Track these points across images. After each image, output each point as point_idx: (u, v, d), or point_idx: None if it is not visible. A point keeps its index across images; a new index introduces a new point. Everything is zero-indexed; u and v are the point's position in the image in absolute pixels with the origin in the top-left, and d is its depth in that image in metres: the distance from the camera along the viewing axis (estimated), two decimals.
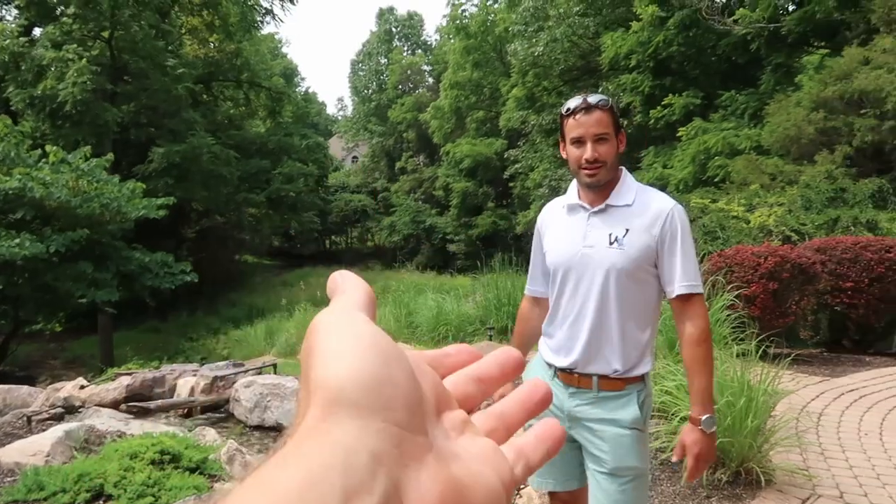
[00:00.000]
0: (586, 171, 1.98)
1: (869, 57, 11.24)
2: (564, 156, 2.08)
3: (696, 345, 1.93)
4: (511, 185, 26.45)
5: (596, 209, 2.03)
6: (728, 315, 5.15)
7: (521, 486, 2.78)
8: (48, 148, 11.03)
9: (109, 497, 3.27)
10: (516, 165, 24.15)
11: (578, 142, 1.97)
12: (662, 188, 14.92)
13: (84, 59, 15.02)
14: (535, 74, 20.55)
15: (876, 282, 7.23)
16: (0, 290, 10.06)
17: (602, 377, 2.00)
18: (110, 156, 12.37)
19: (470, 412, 0.34)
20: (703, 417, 1.88)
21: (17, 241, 9.23)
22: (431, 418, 0.30)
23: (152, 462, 3.50)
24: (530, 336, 2.37)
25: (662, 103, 15.33)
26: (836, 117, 11.21)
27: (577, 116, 1.96)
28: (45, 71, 15.25)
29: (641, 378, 2.00)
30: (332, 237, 39.44)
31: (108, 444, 3.74)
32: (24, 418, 5.27)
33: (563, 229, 2.12)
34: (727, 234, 8.56)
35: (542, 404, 0.37)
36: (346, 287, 0.34)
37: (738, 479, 3.75)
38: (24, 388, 7.23)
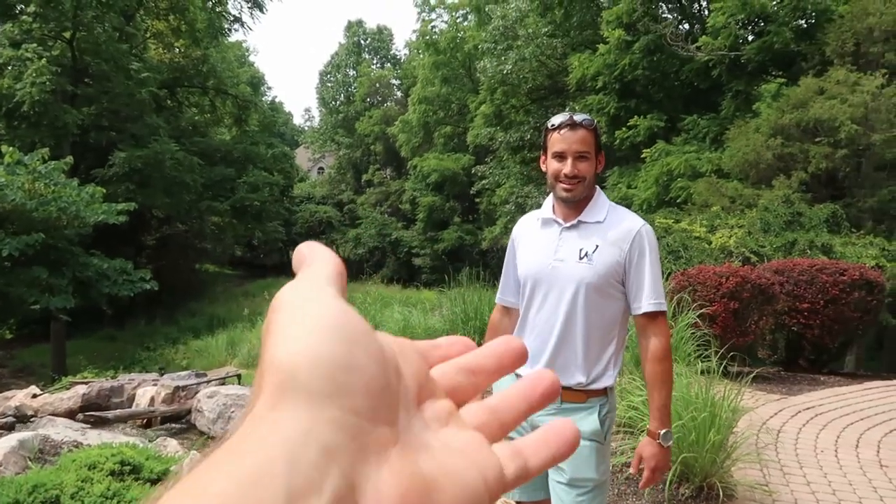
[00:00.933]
0: (564, 185, 2.02)
1: (823, 87, 11.68)
2: (544, 168, 2.12)
3: (658, 361, 1.98)
4: (478, 200, 26.61)
5: (568, 224, 2.08)
6: (692, 333, 5.24)
7: None
8: (4, 148, 10.69)
9: None
10: (483, 181, 24.31)
11: (560, 156, 2.02)
12: (626, 208, 15.21)
13: (44, 59, 14.65)
14: (504, 92, 20.75)
15: (830, 303, 7.47)
16: None
17: (566, 389, 2.03)
18: (69, 159, 12.06)
19: (459, 406, 0.31)
20: (662, 432, 1.96)
21: None
22: (409, 407, 0.27)
23: (112, 473, 3.39)
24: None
25: (627, 124, 15.64)
26: (792, 144, 11.59)
27: (562, 132, 2.01)
28: (3, 70, 14.82)
29: (604, 391, 2.04)
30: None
31: (65, 454, 3.60)
32: None
33: (535, 242, 2.16)
34: (690, 254, 8.74)
35: (547, 398, 0.33)
36: (315, 259, 0.30)
37: (700, 493, 3.80)
38: None
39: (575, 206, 2.07)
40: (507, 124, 21.21)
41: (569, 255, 2.04)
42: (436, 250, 29.67)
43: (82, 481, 3.27)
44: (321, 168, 46.57)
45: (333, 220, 35.52)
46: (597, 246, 2.01)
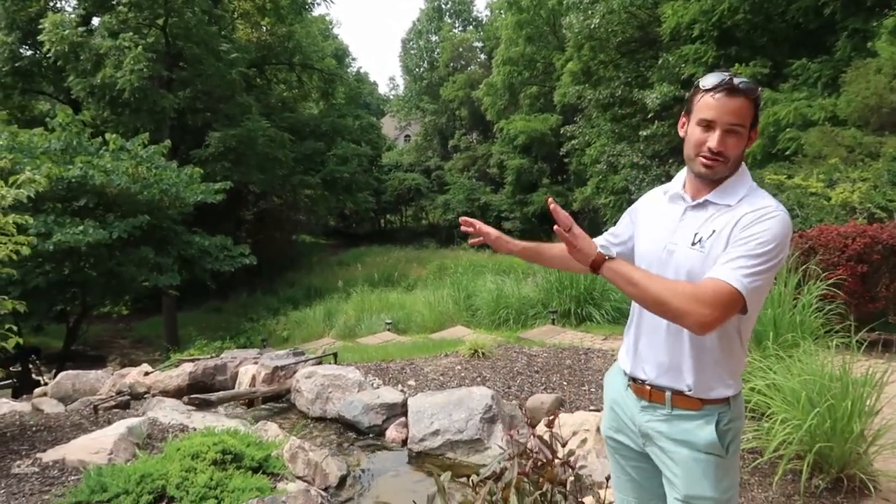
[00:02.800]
0: (704, 161, 1.71)
1: None
2: (682, 133, 1.80)
3: (684, 297, 1.58)
4: (567, 161, 25.84)
5: (695, 203, 1.77)
6: (818, 305, 4.73)
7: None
8: (107, 136, 11.19)
9: (172, 499, 3.18)
10: (572, 142, 23.52)
11: (707, 125, 1.69)
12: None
13: (140, 47, 15.20)
14: (591, 47, 19.81)
15: None
16: (67, 276, 10.31)
17: (676, 393, 1.76)
18: (168, 142, 12.51)
19: None
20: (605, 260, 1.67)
21: (81, 228, 9.39)
22: None
23: (214, 462, 3.39)
24: (549, 256, 2.21)
25: None
26: None
27: (717, 96, 1.68)
28: (103, 60, 15.50)
29: (726, 400, 1.74)
30: (387, 216, 39.56)
31: (171, 442, 3.65)
32: (91, 407, 5.30)
33: (657, 220, 1.88)
34: (806, 213, 8.00)
35: None
36: None
37: (838, 486, 3.41)
38: (92, 374, 7.36)
39: (710, 183, 1.75)
40: (595, 81, 20.31)
41: (682, 240, 1.75)
42: (525, 213, 29.18)
43: (186, 471, 3.29)
44: (408, 136, 46.75)
45: (422, 186, 35.64)
46: (713, 231, 1.69)
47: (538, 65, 28.69)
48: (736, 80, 1.66)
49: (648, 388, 1.82)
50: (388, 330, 9.95)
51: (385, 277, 18.80)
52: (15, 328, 4.24)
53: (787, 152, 12.25)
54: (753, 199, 1.69)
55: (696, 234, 1.72)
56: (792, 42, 14.89)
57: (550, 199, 1.74)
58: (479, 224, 2.22)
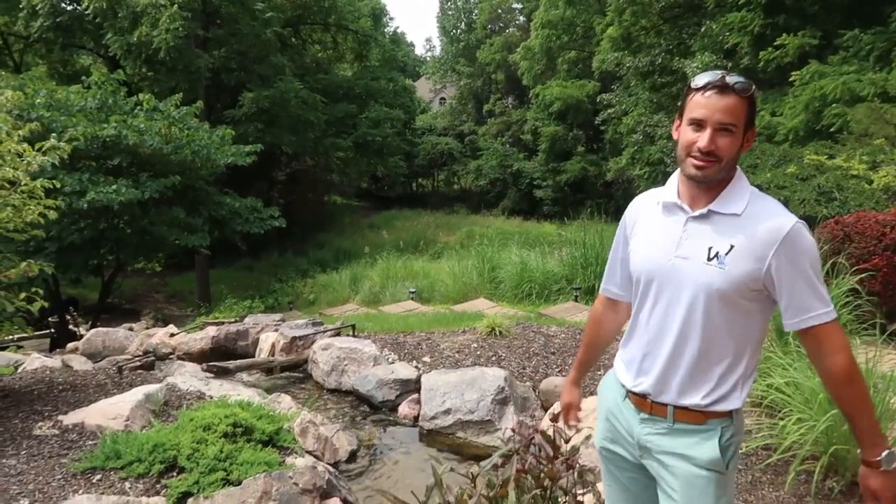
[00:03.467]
0: (694, 162, 1.64)
1: None
2: (676, 136, 1.73)
3: (847, 384, 1.62)
4: (602, 129, 25.36)
5: (696, 213, 1.70)
6: (847, 300, 4.57)
7: None
8: (141, 96, 11.26)
9: (182, 469, 3.26)
10: (609, 110, 23.04)
11: (698, 124, 1.63)
12: (770, 138, 13.79)
13: (176, 6, 15.18)
14: (633, 12, 19.20)
15: None
16: (102, 233, 10.54)
17: (679, 408, 1.72)
18: (200, 103, 12.56)
19: None
20: (882, 456, 1.60)
21: (115, 187, 9.54)
22: None
23: (225, 434, 3.46)
24: (601, 342, 2.16)
25: (774, 44, 13.94)
26: None
27: (707, 94, 1.62)
28: (140, 18, 15.53)
29: (729, 414, 1.70)
30: (419, 180, 39.50)
31: (185, 412, 3.74)
32: (117, 367, 5.45)
33: (654, 231, 1.80)
34: (845, 196, 7.72)
35: None
36: None
37: (853, 489, 3.34)
38: (122, 332, 7.58)
39: (706, 189, 1.68)
40: (636, 48, 19.74)
41: (695, 253, 1.67)
42: (558, 182, 28.85)
43: (198, 442, 3.36)
44: (443, 98, 46.29)
45: (455, 151, 35.42)
46: (731, 246, 1.63)
47: (578, 29, 27.97)
48: (728, 79, 1.61)
49: (650, 401, 1.78)
50: (412, 299, 10.00)
51: (413, 243, 18.85)
52: (41, 292, 4.34)
53: (832, 129, 11.79)
54: (760, 206, 1.65)
55: (711, 248, 1.65)
56: (845, 11, 14.20)
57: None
58: (573, 418, 2.30)
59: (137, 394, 4.01)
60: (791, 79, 13.27)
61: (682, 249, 1.70)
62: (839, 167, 8.32)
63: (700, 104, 1.62)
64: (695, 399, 1.70)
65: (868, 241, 5.97)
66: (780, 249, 1.59)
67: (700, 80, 1.64)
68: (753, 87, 1.63)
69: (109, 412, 3.83)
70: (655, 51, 18.71)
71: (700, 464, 1.69)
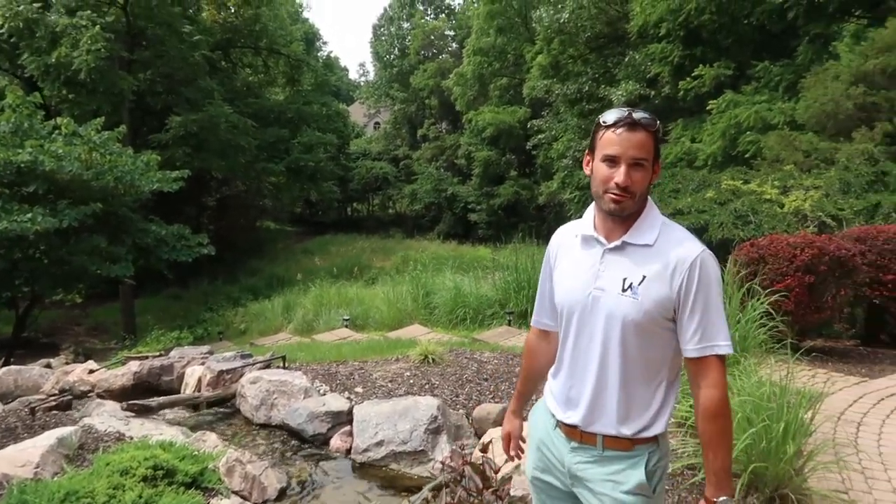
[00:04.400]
0: (612, 197, 1.69)
1: None
2: (588, 171, 1.79)
3: (711, 419, 1.66)
4: (534, 154, 25.92)
5: (612, 245, 1.75)
6: (762, 321, 4.79)
7: None
8: (59, 120, 10.83)
9: None
10: (540, 135, 23.60)
11: (612, 161, 1.68)
12: (690, 163, 14.42)
13: (98, 26, 14.67)
14: (561, 42, 19.87)
15: None
16: (15, 263, 10.00)
17: (608, 436, 1.76)
18: (123, 127, 12.17)
19: None
20: (719, 500, 1.65)
21: (30, 215, 9.10)
22: None
23: (144, 478, 3.30)
24: (537, 373, 2.16)
25: (692, 74, 14.68)
26: (876, 92, 10.58)
27: (618, 131, 1.67)
28: (60, 38, 14.94)
29: (654, 440, 1.75)
30: (354, 204, 39.29)
31: (100, 456, 3.54)
32: (29, 409, 5.13)
33: (574, 264, 1.85)
34: (760, 219, 8.12)
35: None
36: None
37: None
38: (36, 370, 7.17)
39: (620, 222, 1.74)
40: (564, 75, 20.39)
41: (610, 285, 1.72)
42: (492, 205, 29.26)
43: (114, 488, 3.19)
44: (377, 123, 46.41)
45: (389, 175, 35.47)
46: (643, 277, 1.68)
47: (509, 56, 28.67)
48: (636, 115, 1.67)
49: (579, 431, 1.81)
50: (346, 326, 9.88)
51: (348, 269, 18.67)
52: None
53: (747, 155, 12.45)
54: (670, 236, 1.71)
55: (626, 279, 1.70)
56: (756, 44, 15.12)
57: None
58: (517, 441, 2.24)
59: (50, 438, 3.78)
60: (708, 107, 13.95)
61: (600, 281, 1.74)
62: (753, 192, 8.76)
63: (612, 141, 1.67)
64: (621, 428, 1.73)
65: (781, 262, 6.27)
66: (687, 276, 1.65)
67: (609, 117, 1.70)
68: (657, 122, 1.70)
69: (18, 459, 3.59)
70: (583, 79, 19.35)
71: (628, 489, 1.72)
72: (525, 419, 2.19)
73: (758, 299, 4.90)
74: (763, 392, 3.63)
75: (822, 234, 7.04)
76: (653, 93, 16.60)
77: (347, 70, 55.61)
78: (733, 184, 9.22)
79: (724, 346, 1.65)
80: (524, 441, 2.19)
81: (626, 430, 1.73)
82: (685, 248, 1.67)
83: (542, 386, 2.15)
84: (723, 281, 1.69)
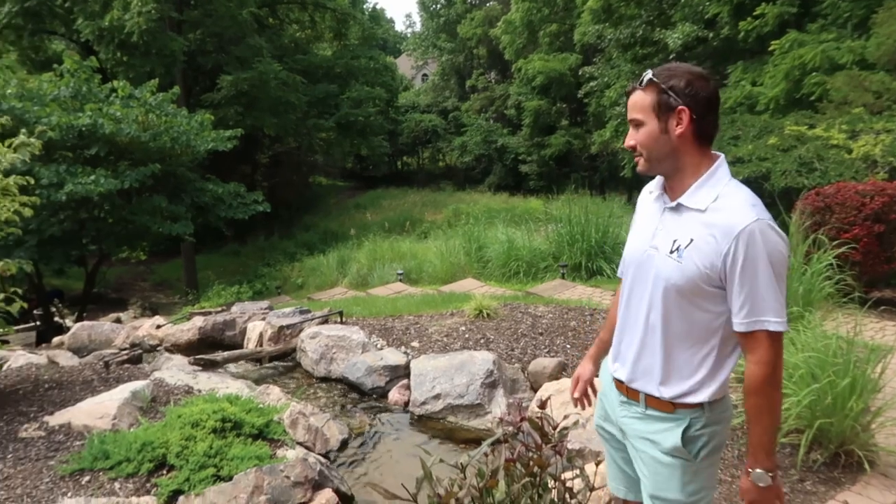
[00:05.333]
0: (635, 157, 1.74)
1: None
2: None
3: (753, 394, 1.61)
4: (586, 103, 25.22)
5: (670, 205, 1.72)
6: (828, 272, 4.61)
7: (597, 487, 2.56)
8: (116, 83, 11.04)
9: (172, 467, 3.24)
10: (592, 83, 22.89)
11: None
12: (751, 108, 13.78)
13: None
14: None
15: None
16: (82, 224, 10.40)
17: (649, 395, 1.76)
18: (176, 88, 12.34)
19: None
20: (754, 471, 1.63)
21: (93, 177, 9.39)
22: None
23: (214, 430, 3.44)
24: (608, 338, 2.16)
25: (754, 13, 13.90)
26: None
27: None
28: (111, 1, 15.16)
29: (699, 406, 1.70)
30: (404, 158, 39.23)
31: (172, 409, 3.71)
32: (103, 362, 5.39)
33: (642, 220, 1.85)
34: (825, 166, 7.74)
35: None
36: None
37: (836, 461, 3.39)
38: (107, 325, 7.51)
39: (680, 182, 1.69)
40: (617, 19, 19.59)
41: (663, 245, 1.70)
42: (543, 156, 28.74)
43: (186, 439, 3.34)
44: (425, 75, 45.90)
45: (439, 128, 35.17)
46: (691, 241, 1.63)
47: (558, 1, 27.68)
48: (639, 79, 1.68)
49: (625, 386, 1.84)
50: (400, 280, 9.98)
51: (399, 223, 18.77)
52: (20, 292, 4.27)
53: (812, 98, 11.83)
54: (726, 201, 1.61)
55: (675, 241, 1.67)
56: None
57: None
58: (584, 393, 2.21)
59: (124, 391, 3.97)
60: (771, 48, 13.25)
61: (655, 240, 1.74)
62: (819, 137, 8.34)
63: None
64: (661, 389, 1.73)
65: (848, 211, 6.00)
66: (736, 247, 1.56)
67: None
68: (651, 74, 1.65)
69: (96, 412, 3.79)
70: (636, 22, 18.58)
71: (663, 450, 1.73)
72: (600, 357, 2.20)
73: (823, 250, 4.71)
74: (828, 347, 3.53)
75: (893, 181, 6.68)
76: (711, 34, 15.84)
77: (394, 22, 54.96)
78: (797, 129, 8.79)
79: (774, 321, 1.56)
80: (592, 387, 2.19)
81: (667, 393, 1.72)
82: (736, 216, 1.57)
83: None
84: (782, 252, 1.53)
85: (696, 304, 1.65)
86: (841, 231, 5.91)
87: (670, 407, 1.72)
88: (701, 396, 1.69)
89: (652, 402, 1.76)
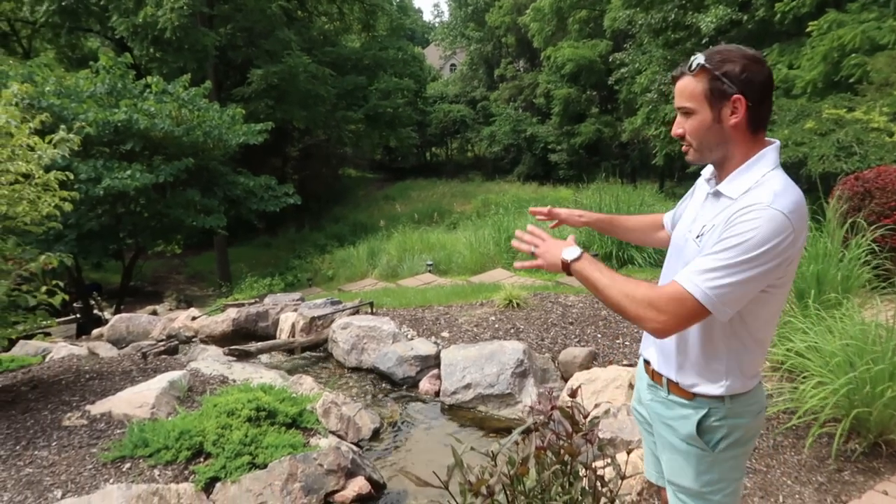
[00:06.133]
0: (683, 148, 1.67)
1: None
2: None
3: (623, 301, 1.52)
4: (616, 90, 24.87)
5: (711, 191, 1.68)
6: (867, 257, 4.49)
7: (628, 475, 2.55)
8: (149, 79, 11.24)
9: (209, 455, 3.32)
10: (622, 69, 22.53)
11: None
12: (787, 92, 13.44)
13: None
14: None
15: None
16: (119, 218, 10.63)
17: (670, 381, 1.75)
18: (208, 83, 12.50)
19: None
20: (572, 255, 1.65)
21: (129, 172, 9.58)
22: None
23: (249, 419, 3.51)
24: (627, 227, 2.21)
25: None
26: None
27: (674, 87, 1.64)
28: None
29: (719, 398, 1.65)
30: (433, 149, 39.20)
31: (208, 398, 3.79)
32: (141, 353, 5.53)
33: (692, 203, 1.82)
34: (865, 150, 7.54)
35: None
36: None
37: (874, 451, 3.33)
38: (144, 317, 7.68)
39: (727, 169, 1.61)
40: (648, 3, 19.22)
41: (696, 229, 1.67)
42: (572, 145, 28.46)
43: (222, 428, 3.42)
44: (453, 65, 45.75)
45: (467, 118, 35.03)
46: (714, 226, 1.56)
47: None
48: (686, 65, 1.59)
49: (652, 369, 1.84)
50: (429, 271, 10.01)
51: (428, 214, 18.80)
52: (61, 284, 4.39)
53: (851, 80, 11.47)
54: (757, 191, 1.50)
55: (703, 226, 1.63)
56: None
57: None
58: (548, 210, 2.22)
59: (162, 381, 4.07)
60: (808, 29, 12.89)
61: (695, 224, 1.70)
62: (859, 120, 8.12)
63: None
64: (679, 376, 1.71)
65: (889, 196, 5.84)
66: (728, 219, 1.49)
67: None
68: (702, 59, 1.53)
69: (135, 401, 3.89)
70: (668, 6, 18.21)
71: (679, 437, 1.72)
72: (593, 225, 2.22)
73: (862, 235, 4.60)
74: (866, 334, 3.45)
75: None
76: (745, 17, 15.47)
77: (421, 12, 54.84)
78: (836, 112, 8.56)
79: (693, 282, 1.46)
80: (555, 218, 2.21)
81: (683, 380, 1.70)
82: (749, 197, 1.49)
83: (619, 232, 2.22)
84: (770, 245, 1.34)
85: None
86: (881, 216, 5.76)
87: (689, 395, 1.70)
88: (718, 390, 1.64)
89: (673, 387, 1.74)
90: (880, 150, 7.41)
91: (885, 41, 11.18)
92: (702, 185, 1.80)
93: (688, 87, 1.56)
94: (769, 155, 1.57)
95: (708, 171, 1.79)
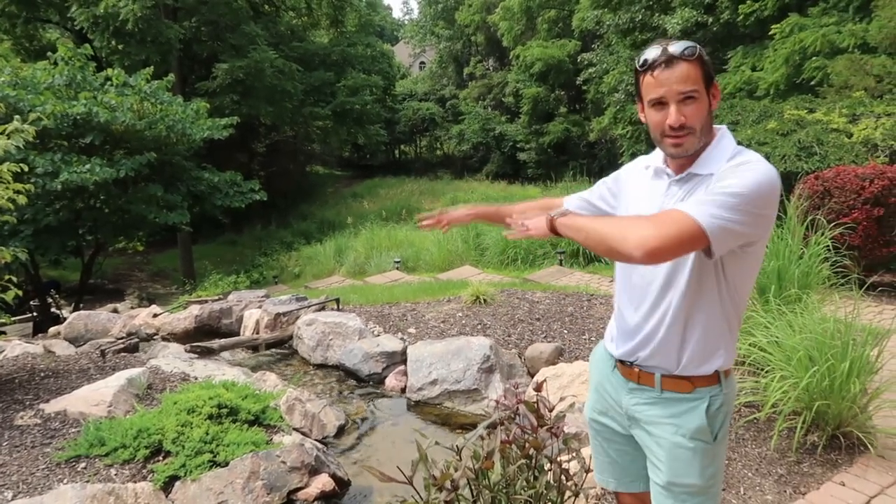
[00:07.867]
0: (670, 140, 1.59)
1: None
2: (643, 119, 1.68)
3: (632, 221, 1.54)
4: (584, 89, 25.09)
5: (678, 177, 1.66)
6: (826, 254, 4.60)
7: (592, 469, 2.55)
8: (110, 71, 10.95)
9: (168, 453, 3.24)
10: (590, 69, 22.75)
11: (659, 103, 1.58)
12: (750, 93, 13.71)
13: None
14: None
15: None
16: (78, 213, 10.34)
17: (666, 375, 1.70)
18: (172, 76, 12.23)
19: None
20: (557, 213, 1.69)
21: (88, 166, 9.32)
22: None
23: (210, 416, 3.43)
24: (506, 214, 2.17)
25: None
26: None
27: (656, 73, 1.56)
28: None
29: (716, 377, 1.67)
30: (401, 146, 39.05)
31: (168, 395, 3.70)
32: (100, 351, 5.38)
33: (641, 193, 1.77)
34: (825, 150, 7.71)
35: None
36: None
37: (834, 442, 3.40)
38: (104, 314, 7.48)
39: (697, 154, 1.63)
40: (616, 4, 19.44)
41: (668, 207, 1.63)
42: (541, 144, 28.61)
43: (182, 425, 3.33)
44: (423, 63, 45.65)
45: (436, 116, 34.97)
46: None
47: None
48: (671, 48, 1.55)
49: (637, 370, 1.76)
50: (397, 269, 9.97)
51: (397, 212, 18.73)
52: (14, 279, 4.24)
53: (812, 82, 11.78)
54: (741, 156, 1.56)
55: (681, 201, 1.61)
56: None
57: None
58: (437, 217, 2.27)
59: (120, 378, 3.96)
60: (771, 32, 13.18)
61: (665, 206, 1.67)
62: (819, 121, 8.31)
63: (653, 84, 1.57)
64: (679, 361, 1.67)
65: (848, 195, 5.99)
66: (723, 169, 1.53)
67: (645, 57, 1.59)
68: (698, 47, 1.56)
69: (92, 399, 3.78)
70: (635, 7, 18.44)
71: (686, 434, 1.67)
72: (481, 217, 2.26)
73: (822, 233, 4.69)
74: (826, 329, 3.51)
75: (893, 164, 6.67)
76: (710, 19, 15.74)
77: (391, 9, 54.62)
78: (797, 113, 8.75)
79: (698, 210, 1.43)
80: (453, 222, 2.26)
81: (686, 365, 1.66)
82: (738, 159, 1.53)
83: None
84: (768, 191, 1.40)
85: (708, 267, 1.58)
86: (840, 214, 5.91)
87: (688, 386, 1.67)
88: (716, 363, 1.66)
89: (668, 383, 1.70)
90: (839, 150, 7.59)
91: (844, 45, 11.49)
92: (643, 177, 1.79)
93: (691, 73, 1.55)
94: (727, 134, 1.65)
95: (649, 161, 1.79)
